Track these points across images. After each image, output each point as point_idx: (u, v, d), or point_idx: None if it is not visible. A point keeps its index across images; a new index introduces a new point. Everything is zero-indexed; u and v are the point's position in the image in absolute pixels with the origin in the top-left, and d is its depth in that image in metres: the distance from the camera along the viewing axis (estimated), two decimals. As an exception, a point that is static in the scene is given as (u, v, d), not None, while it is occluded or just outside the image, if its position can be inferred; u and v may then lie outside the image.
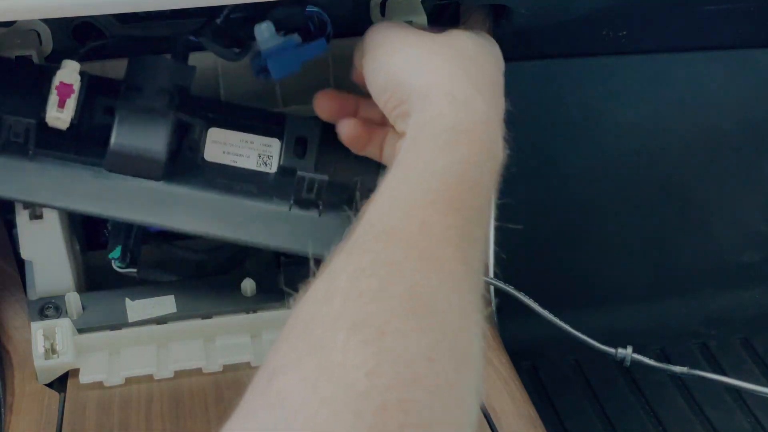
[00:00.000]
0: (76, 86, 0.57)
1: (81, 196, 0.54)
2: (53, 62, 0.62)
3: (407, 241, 0.41)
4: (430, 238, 0.42)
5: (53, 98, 0.56)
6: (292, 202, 0.60)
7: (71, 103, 0.57)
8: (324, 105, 0.59)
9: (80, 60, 0.58)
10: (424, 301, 0.39)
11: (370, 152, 0.59)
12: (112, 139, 0.57)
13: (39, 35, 0.61)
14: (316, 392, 0.35)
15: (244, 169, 0.61)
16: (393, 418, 0.34)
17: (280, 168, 0.61)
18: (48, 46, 0.62)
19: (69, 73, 0.57)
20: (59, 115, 0.57)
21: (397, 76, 0.51)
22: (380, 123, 0.58)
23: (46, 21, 0.61)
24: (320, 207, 0.60)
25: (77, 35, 0.62)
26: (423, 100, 0.49)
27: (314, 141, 0.61)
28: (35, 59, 0.60)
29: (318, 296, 0.40)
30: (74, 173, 0.58)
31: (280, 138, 0.62)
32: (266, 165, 0.61)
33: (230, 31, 0.62)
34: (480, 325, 0.42)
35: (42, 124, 0.57)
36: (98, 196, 0.57)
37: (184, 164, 0.60)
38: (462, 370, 0.39)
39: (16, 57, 0.60)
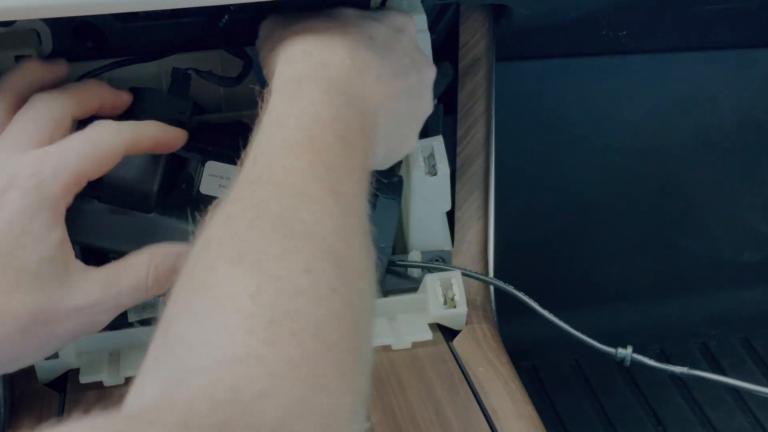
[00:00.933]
0: None
1: (75, 227, 0.54)
2: (53, 62, 0.62)
3: (272, 185, 0.44)
4: (294, 178, 0.44)
5: None
6: None
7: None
8: None
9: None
10: (294, 227, 0.41)
11: None
12: (106, 175, 0.57)
13: (39, 35, 0.61)
14: (208, 325, 0.37)
15: None
16: (282, 327, 0.37)
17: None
18: (48, 46, 0.61)
19: None
20: None
21: (264, 63, 0.56)
22: None
23: (46, 21, 0.61)
24: None
25: (77, 35, 0.62)
26: (272, 71, 0.53)
27: None
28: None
29: (196, 249, 0.42)
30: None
31: None
32: None
33: (231, 46, 0.62)
34: (363, 243, 0.44)
35: None
36: (91, 226, 0.57)
37: (178, 197, 0.60)
38: (343, 276, 0.41)
39: (16, 57, 0.60)
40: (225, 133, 0.64)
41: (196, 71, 0.61)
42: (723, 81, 1.03)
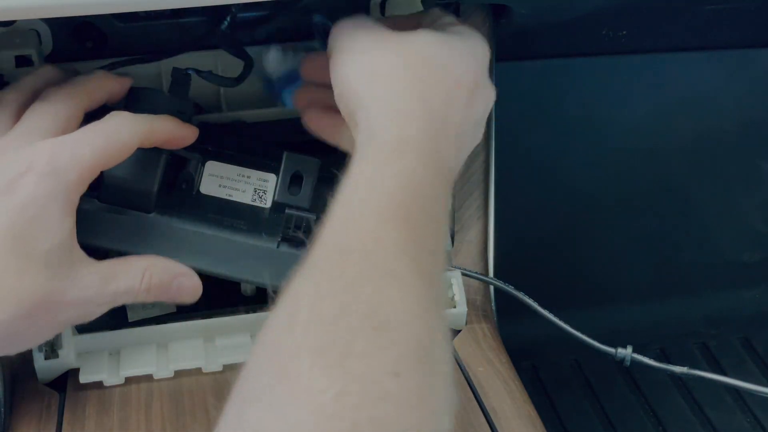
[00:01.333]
0: None
1: (77, 227, 0.54)
2: (54, 62, 0.62)
3: (363, 260, 0.41)
4: (386, 254, 0.42)
5: None
6: (279, 239, 0.60)
7: None
8: (299, 96, 0.60)
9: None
10: (385, 317, 0.39)
11: (344, 143, 0.58)
12: (105, 174, 0.57)
13: (39, 35, 0.61)
14: (285, 420, 0.36)
15: (238, 203, 0.61)
16: None
17: (274, 204, 0.61)
18: (48, 45, 0.62)
19: None
20: None
21: (349, 85, 0.51)
22: None
23: (46, 21, 0.61)
24: (307, 245, 0.60)
25: (77, 35, 0.62)
26: (367, 112, 0.49)
27: (310, 178, 0.61)
28: (35, 59, 0.60)
29: (280, 325, 0.40)
30: None
31: (277, 174, 0.62)
32: (261, 200, 0.61)
33: (234, 46, 0.62)
34: (446, 335, 0.42)
35: None
36: (91, 226, 0.57)
37: (178, 197, 0.60)
38: (431, 381, 0.39)
39: (16, 57, 0.60)
40: (225, 133, 0.64)
41: (197, 71, 0.61)
42: (723, 81, 1.03)
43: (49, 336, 0.53)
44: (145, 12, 0.60)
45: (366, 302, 0.39)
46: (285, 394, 0.37)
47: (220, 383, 0.62)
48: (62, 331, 0.55)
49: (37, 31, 0.61)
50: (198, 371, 0.63)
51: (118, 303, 0.54)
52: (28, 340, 0.53)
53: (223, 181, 0.61)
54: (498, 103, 0.74)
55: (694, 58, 1.01)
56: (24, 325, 0.50)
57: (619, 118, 1.02)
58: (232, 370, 0.63)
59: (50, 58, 0.62)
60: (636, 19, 0.91)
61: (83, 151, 0.52)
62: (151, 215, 0.59)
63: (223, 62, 0.65)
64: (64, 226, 0.51)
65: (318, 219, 0.60)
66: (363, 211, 0.44)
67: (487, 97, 0.55)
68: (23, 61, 0.60)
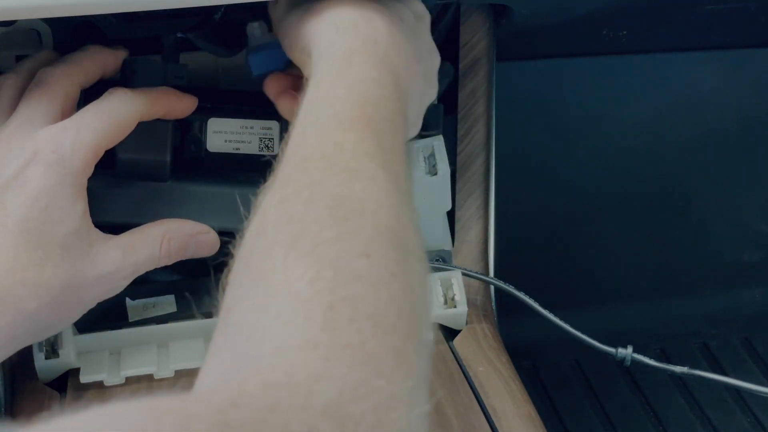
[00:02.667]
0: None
1: (96, 208, 0.55)
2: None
3: (324, 162, 0.43)
4: (346, 154, 0.43)
5: None
6: None
7: None
8: (273, 85, 0.59)
9: None
10: (350, 207, 0.41)
11: None
12: (118, 151, 0.58)
13: (39, 35, 0.61)
14: (266, 312, 0.37)
15: (247, 155, 0.62)
16: (341, 313, 0.36)
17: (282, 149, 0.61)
18: (48, 45, 0.62)
19: None
20: None
21: (294, 30, 0.53)
22: None
23: (46, 20, 0.61)
24: None
25: (78, 35, 0.62)
26: (315, 39, 0.51)
27: None
28: (35, 59, 0.60)
29: (251, 233, 0.42)
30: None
31: (279, 120, 0.62)
32: (268, 148, 0.62)
33: (225, 30, 0.62)
34: (413, 222, 0.43)
35: None
36: (109, 204, 0.58)
37: (189, 160, 0.61)
38: (402, 260, 0.40)
39: (16, 57, 0.60)
40: (220, 91, 0.64)
41: (191, 41, 0.61)
42: (723, 81, 1.03)
43: (76, 317, 0.55)
44: (145, 12, 0.60)
45: (331, 196, 0.41)
46: (262, 290, 0.38)
47: (221, 383, 0.62)
48: (90, 308, 0.56)
49: (37, 31, 0.61)
50: (198, 371, 0.63)
51: (141, 272, 0.56)
52: (57, 323, 0.55)
53: (228, 135, 0.62)
54: (498, 103, 0.74)
55: (694, 58, 1.01)
56: (51, 312, 0.52)
57: (619, 118, 1.02)
58: (232, 369, 0.63)
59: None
60: (636, 19, 0.91)
61: (85, 135, 0.53)
62: (167, 183, 0.59)
63: (223, 61, 0.65)
64: (76, 210, 0.52)
65: None
66: (321, 121, 0.45)
67: (430, 46, 0.57)
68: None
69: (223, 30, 0.62)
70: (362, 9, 0.52)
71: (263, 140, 0.62)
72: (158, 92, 0.57)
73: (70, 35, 0.62)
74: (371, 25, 0.51)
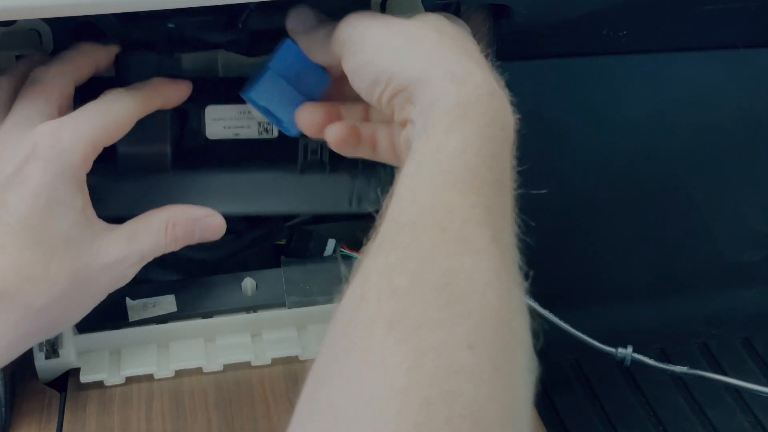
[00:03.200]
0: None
1: (95, 202, 0.55)
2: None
3: (434, 228, 0.40)
4: (457, 221, 0.41)
5: None
6: (299, 168, 0.61)
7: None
8: (309, 119, 0.57)
9: None
10: (458, 286, 0.38)
11: (362, 152, 0.58)
12: (119, 146, 0.58)
13: (40, 35, 0.61)
14: (359, 396, 0.35)
15: (247, 140, 0.62)
16: (438, 411, 0.34)
17: (281, 132, 0.62)
18: (49, 45, 0.62)
19: None
20: None
21: (389, 67, 0.49)
22: (364, 121, 0.57)
23: (46, 20, 0.61)
24: (327, 166, 0.61)
25: (78, 35, 0.62)
26: (424, 83, 0.48)
27: None
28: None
29: (352, 299, 0.40)
30: (87, 180, 0.59)
31: None
32: (267, 132, 0.62)
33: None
34: (522, 302, 0.41)
35: None
36: (113, 198, 0.58)
37: (189, 149, 0.61)
38: (506, 352, 0.38)
39: (16, 56, 0.60)
40: (215, 78, 0.64)
41: (176, 26, 0.60)
42: (723, 81, 1.03)
43: (87, 310, 0.55)
44: (146, 12, 0.60)
45: (438, 271, 0.38)
46: (357, 370, 0.36)
47: (221, 383, 0.62)
48: (101, 299, 0.56)
49: (37, 31, 0.61)
50: (198, 371, 0.63)
51: (148, 259, 0.56)
52: (67, 319, 0.55)
53: (227, 122, 0.62)
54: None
55: (694, 58, 1.01)
56: (61, 307, 0.52)
57: (619, 118, 1.02)
58: (232, 369, 0.63)
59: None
60: (636, 19, 0.91)
61: (84, 129, 0.53)
62: (170, 174, 0.59)
63: (223, 61, 0.65)
64: (76, 204, 0.52)
65: None
66: (431, 180, 0.43)
67: None
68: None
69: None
70: (474, 55, 0.50)
71: (262, 124, 0.62)
72: (152, 84, 0.57)
73: (70, 35, 0.62)
74: (485, 75, 0.49)
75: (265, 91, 0.57)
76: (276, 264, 0.69)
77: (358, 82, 0.51)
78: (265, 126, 0.62)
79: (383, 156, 0.57)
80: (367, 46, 0.51)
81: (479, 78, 0.48)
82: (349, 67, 0.51)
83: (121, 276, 0.55)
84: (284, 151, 0.61)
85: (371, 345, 0.37)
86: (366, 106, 0.57)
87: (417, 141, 0.46)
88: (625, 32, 0.92)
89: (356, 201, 0.62)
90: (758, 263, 1.14)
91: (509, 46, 0.76)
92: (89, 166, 0.53)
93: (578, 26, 0.89)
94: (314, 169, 0.61)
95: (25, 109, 0.54)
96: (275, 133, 0.62)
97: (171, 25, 0.60)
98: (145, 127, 0.57)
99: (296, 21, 0.56)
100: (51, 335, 0.56)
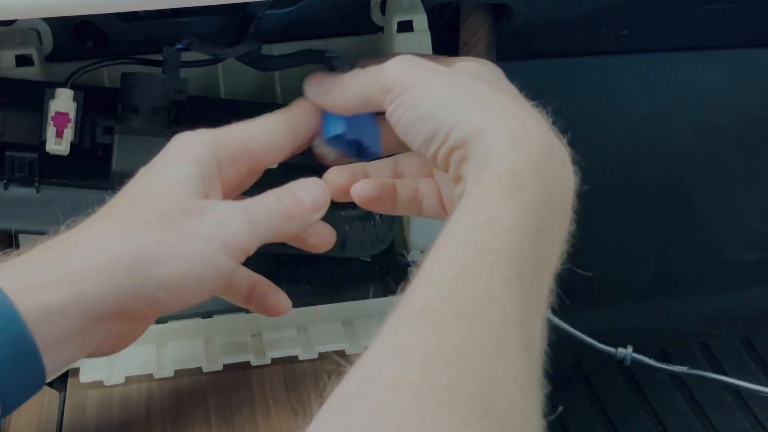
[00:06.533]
0: (72, 114, 0.57)
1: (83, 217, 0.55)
2: (54, 61, 0.62)
3: (475, 319, 0.39)
4: (497, 316, 0.39)
5: (51, 130, 0.57)
6: None
7: (69, 131, 0.58)
8: (333, 182, 0.54)
9: (73, 85, 0.59)
10: (490, 402, 0.37)
11: (406, 209, 0.55)
12: (114, 165, 0.58)
13: (39, 34, 0.61)
14: None
15: None
16: None
17: (281, 164, 0.61)
18: (48, 45, 0.62)
19: (63, 102, 0.57)
20: (59, 147, 0.58)
21: (446, 120, 0.46)
22: (394, 177, 0.55)
23: (46, 20, 0.61)
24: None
25: (77, 34, 0.62)
26: (481, 139, 0.44)
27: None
28: (35, 58, 0.60)
29: (383, 378, 0.37)
30: (80, 198, 0.59)
31: None
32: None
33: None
34: (539, 419, 0.40)
35: (44, 151, 0.58)
36: None
37: None
38: None
39: (17, 56, 0.60)
40: (221, 100, 0.64)
41: (186, 47, 0.60)
42: (723, 81, 1.03)
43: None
44: (146, 11, 0.60)
45: (474, 379, 0.37)
46: None
47: (221, 383, 0.62)
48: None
49: (37, 30, 0.61)
50: (198, 371, 0.63)
51: None
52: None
53: None
54: (498, 103, 0.74)
55: (694, 58, 1.01)
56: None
57: (620, 118, 1.02)
58: (232, 369, 0.63)
59: (51, 58, 0.62)
60: (636, 19, 0.91)
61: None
62: None
63: (223, 61, 0.65)
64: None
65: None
66: (479, 254, 0.41)
67: None
68: (24, 61, 0.60)
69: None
70: (532, 112, 0.48)
71: None
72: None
73: (70, 35, 0.62)
74: (545, 137, 0.46)
75: (349, 122, 0.54)
76: (276, 264, 0.69)
77: (412, 136, 0.48)
78: None
79: (431, 213, 0.54)
80: (419, 97, 0.48)
81: (539, 141, 0.45)
82: (400, 120, 0.48)
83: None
84: (282, 183, 0.61)
85: None
86: (395, 162, 0.55)
87: (466, 202, 0.43)
88: (625, 32, 0.92)
89: (348, 246, 0.63)
90: (758, 263, 1.14)
91: (509, 46, 0.76)
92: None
93: (578, 26, 0.89)
94: None
95: None
96: (275, 164, 0.62)
97: (181, 46, 0.59)
98: (142, 150, 0.57)
99: (310, 87, 0.54)
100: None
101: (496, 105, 0.46)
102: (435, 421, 0.35)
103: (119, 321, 0.49)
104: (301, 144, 0.54)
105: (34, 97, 0.58)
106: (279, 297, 0.57)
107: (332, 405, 0.37)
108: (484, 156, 0.44)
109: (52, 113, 0.57)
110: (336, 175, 0.54)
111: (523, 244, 0.41)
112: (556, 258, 0.45)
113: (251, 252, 0.50)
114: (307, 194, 0.51)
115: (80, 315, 0.46)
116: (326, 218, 0.54)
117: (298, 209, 0.51)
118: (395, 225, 0.66)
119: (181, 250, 0.47)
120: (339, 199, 0.53)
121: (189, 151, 0.50)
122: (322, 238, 0.56)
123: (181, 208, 0.48)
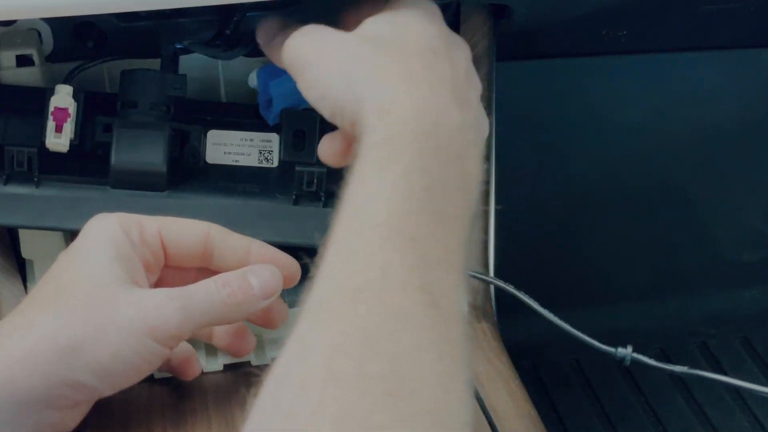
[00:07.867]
0: (72, 109, 0.58)
1: (88, 217, 0.55)
2: (54, 61, 0.62)
3: (373, 298, 0.38)
4: (395, 289, 0.39)
5: (50, 124, 0.57)
6: (294, 197, 0.60)
7: (68, 126, 0.58)
8: (330, 148, 0.53)
9: (72, 82, 0.59)
10: (401, 376, 0.37)
11: None
12: (113, 159, 0.58)
13: (40, 34, 0.61)
14: None
15: (246, 167, 0.62)
16: None
17: (281, 162, 0.62)
18: (49, 45, 0.62)
19: (62, 97, 0.58)
20: (58, 141, 0.58)
21: (337, 100, 0.46)
22: None
23: (47, 20, 0.61)
24: (322, 198, 0.61)
25: (78, 34, 0.62)
26: (361, 119, 0.45)
27: (313, 133, 0.62)
28: (36, 58, 0.61)
29: (291, 380, 0.37)
30: (80, 195, 0.59)
31: (279, 132, 0.62)
32: (268, 161, 0.62)
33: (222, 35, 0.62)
34: (465, 382, 0.39)
35: (44, 148, 0.58)
36: (101, 211, 0.58)
37: (186, 171, 0.61)
38: None
39: (16, 56, 0.60)
40: (220, 103, 0.64)
41: (185, 48, 0.61)
42: (723, 81, 1.03)
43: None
44: (146, 12, 0.60)
45: (382, 359, 0.37)
46: None
47: (221, 383, 0.62)
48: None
49: (37, 30, 0.61)
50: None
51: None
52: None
53: (228, 147, 0.62)
54: (498, 103, 0.74)
55: (694, 58, 1.01)
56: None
57: (619, 118, 1.02)
58: (232, 369, 0.63)
59: (51, 58, 0.62)
60: (636, 19, 0.91)
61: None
62: (165, 193, 0.59)
63: (223, 62, 0.65)
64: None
65: (328, 171, 0.60)
66: (366, 234, 0.40)
67: (461, 47, 0.51)
68: (24, 61, 0.60)
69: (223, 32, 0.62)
70: (411, 76, 0.46)
71: (263, 152, 0.62)
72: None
73: (70, 35, 0.62)
74: (415, 95, 0.45)
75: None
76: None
77: (322, 113, 0.48)
78: (266, 155, 0.62)
79: None
80: (312, 77, 0.48)
81: (406, 102, 0.44)
82: (307, 98, 0.49)
83: None
84: (281, 182, 0.61)
85: None
86: None
87: (351, 184, 0.43)
88: (625, 32, 0.92)
89: None
90: (757, 263, 1.14)
91: (509, 46, 0.76)
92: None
93: (578, 26, 0.89)
94: (308, 200, 0.61)
95: None
96: (275, 163, 0.62)
97: (180, 46, 0.60)
98: (142, 143, 0.57)
99: (260, 32, 0.55)
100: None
101: (373, 77, 0.45)
102: (346, 412, 0.35)
103: (49, 410, 0.50)
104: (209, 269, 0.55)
105: (36, 102, 0.59)
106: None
107: (252, 416, 0.37)
108: (360, 134, 0.44)
109: (51, 108, 0.57)
110: (330, 140, 0.53)
111: (410, 209, 0.41)
112: (463, 204, 0.44)
113: (185, 337, 0.51)
114: (258, 280, 0.53)
115: (9, 403, 0.47)
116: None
117: (245, 295, 0.52)
118: None
119: (109, 335, 0.49)
120: (332, 163, 0.53)
121: (105, 233, 0.52)
122: (276, 318, 0.57)
123: (106, 294, 0.49)
